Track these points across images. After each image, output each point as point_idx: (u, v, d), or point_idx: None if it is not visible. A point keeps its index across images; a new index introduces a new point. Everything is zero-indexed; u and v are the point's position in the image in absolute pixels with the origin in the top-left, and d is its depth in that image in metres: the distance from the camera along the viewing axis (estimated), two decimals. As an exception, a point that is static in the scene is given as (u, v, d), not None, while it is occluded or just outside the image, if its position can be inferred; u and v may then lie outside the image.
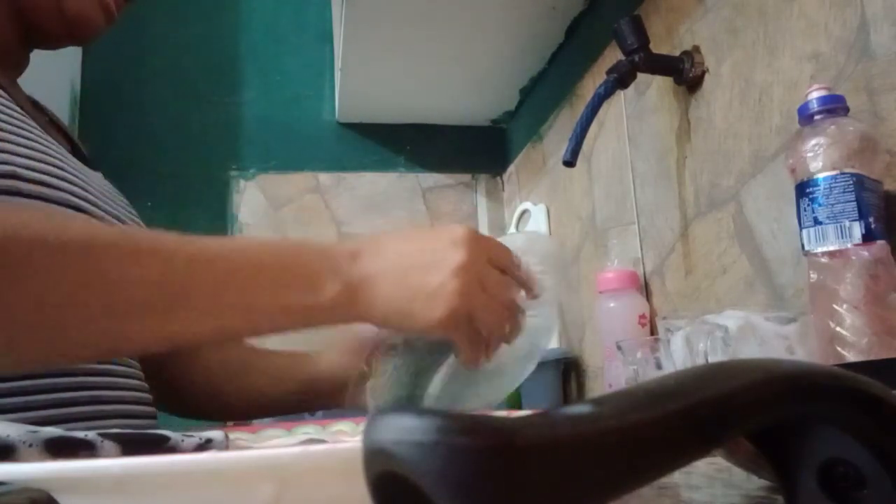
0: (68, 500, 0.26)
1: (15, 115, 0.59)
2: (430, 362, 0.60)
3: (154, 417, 0.70)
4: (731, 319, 0.49)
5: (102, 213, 0.62)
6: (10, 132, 0.56)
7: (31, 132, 0.59)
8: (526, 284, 0.58)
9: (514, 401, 1.20)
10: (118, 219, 0.65)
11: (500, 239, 0.60)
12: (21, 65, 0.70)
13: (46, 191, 0.56)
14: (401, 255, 0.53)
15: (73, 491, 0.25)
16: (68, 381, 0.58)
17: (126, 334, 0.46)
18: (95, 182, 0.67)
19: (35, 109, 0.71)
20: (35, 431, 0.31)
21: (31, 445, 0.30)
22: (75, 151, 0.73)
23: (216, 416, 0.80)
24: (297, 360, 0.77)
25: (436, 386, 0.61)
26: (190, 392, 0.77)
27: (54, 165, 0.58)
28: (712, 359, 0.49)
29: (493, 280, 0.54)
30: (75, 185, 0.59)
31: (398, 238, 0.54)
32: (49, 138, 0.62)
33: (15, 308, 0.41)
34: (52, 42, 0.69)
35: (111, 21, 0.69)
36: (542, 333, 0.63)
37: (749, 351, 0.47)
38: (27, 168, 0.55)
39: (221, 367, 0.76)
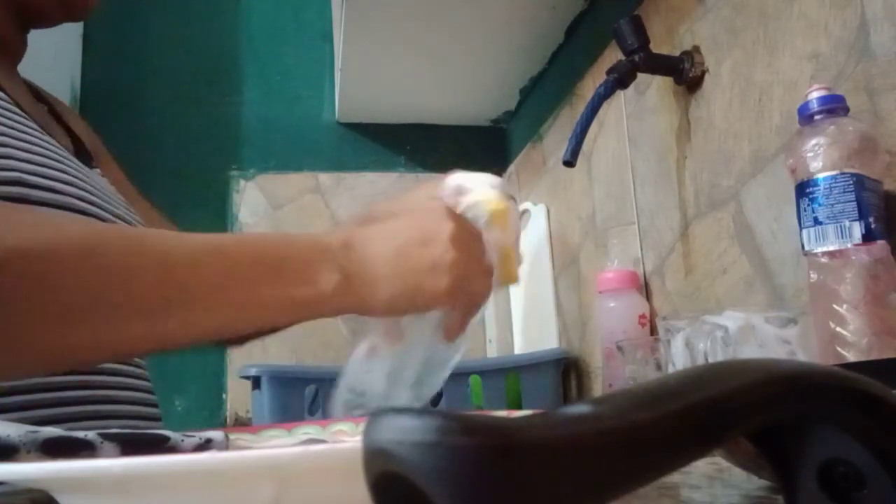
0: (68, 500, 0.26)
1: (16, 117, 0.58)
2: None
3: (159, 419, 0.70)
4: (731, 320, 0.49)
5: (106, 215, 0.62)
6: (14, 136, 0.56)
7: (32, 135, 0.59)
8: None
9: (514, 401, 1.20)
10: (121, 218, 0.65)
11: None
12: (20, 50, 0.69)
13: (53, 196, 0.55)
14: (393, 234, 0.53)
15: (73, 491, 0.25)
16: (76, 379, 0.58)
17: (125, 336, 0.45)
18: (96, 182, 0.66)
19: (36, 100, 0.70)
20: (35, 432, 0.31)
21: (29, 451, 0.30)
22: (76, 145, 0.73)
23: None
24: None
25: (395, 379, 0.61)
26: None
27: (59, 170, 0.58)
28: (712, 359, 0.49)
29: (477, 247, 0.56)
30: (79, 188, 0.59)
31: (386, 216, 0.55)
32: (50, 140, 0.62)
33: (13, 318, 0.40)
34: (47, 20, 0.68)
35: None
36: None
37: (749, 354, 0.48)
38: (33, 174, 0.55)
39: None
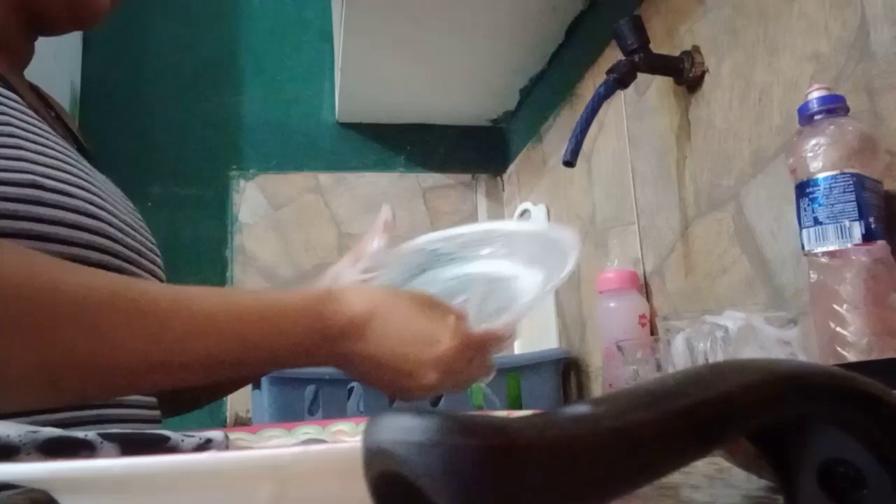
0: (69, 500, 0.26)
1: (31, 121, 0.59)
2: None
3: (159, 421, 0.70)
4: (731, 320, 0.49)
5: (114, 220, 0.63)
6: (29, 139, 0.56)
7: (47, 138, 0.59)
8: (509, 337, 0.63)
9: (514, 401, 1.20)
10: (128, 224, 0.66)
11: (507, 225, 0.65)
12: (26, 56, 0.69)
13: (66, 199, 0.56)
14: (385, 352, 0.56)
15: (73, 491, 0.25)
16: None
17: (116, 386, 0.49)
18: (106, 187, 0.67)
19: (42, 104, 0.71)
20: (35, 432, 0.31)
21: (29, 452, 0.30)
22: (80, 149, 0.73)
23: (190, 406, 0.81)
24: None
25: None
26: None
27: (72, 174, 0.59)
28: (712, 359, 0.49)
29: (471, 367, 0.60)
30: (90, 192, 0.60)
31: (385, 328, 0.56)
32: (63, 143, 0.62)
33: (8, 358, 0.42)
34: (57, 28, 0.68)
35: (116, 4, 0.69)
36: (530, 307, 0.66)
37: (750, 354, 0.48)
38: (47, 177, 0.55)
39: None
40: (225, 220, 1.62)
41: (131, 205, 0.74)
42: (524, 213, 1.55)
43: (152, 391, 0.53)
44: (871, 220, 0.58)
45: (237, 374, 0.54)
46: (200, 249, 1.59)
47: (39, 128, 0.60)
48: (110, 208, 0.63)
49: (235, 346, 0.50)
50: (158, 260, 0.72)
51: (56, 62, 1.44)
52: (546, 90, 1.48)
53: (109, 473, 0.23)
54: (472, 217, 1.74)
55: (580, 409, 0.17)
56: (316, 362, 0.56)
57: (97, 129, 1.57)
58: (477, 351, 0.59)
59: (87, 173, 0.62)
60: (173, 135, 1.64)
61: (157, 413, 0.70)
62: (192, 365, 0.49)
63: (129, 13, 1.68)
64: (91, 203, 0.59)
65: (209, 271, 1.57)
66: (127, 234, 0.64)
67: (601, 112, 0.94)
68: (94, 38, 1.64)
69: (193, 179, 1.62)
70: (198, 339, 0.48)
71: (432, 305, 0.59)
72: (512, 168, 1.70)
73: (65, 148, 0.62)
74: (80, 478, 0.24)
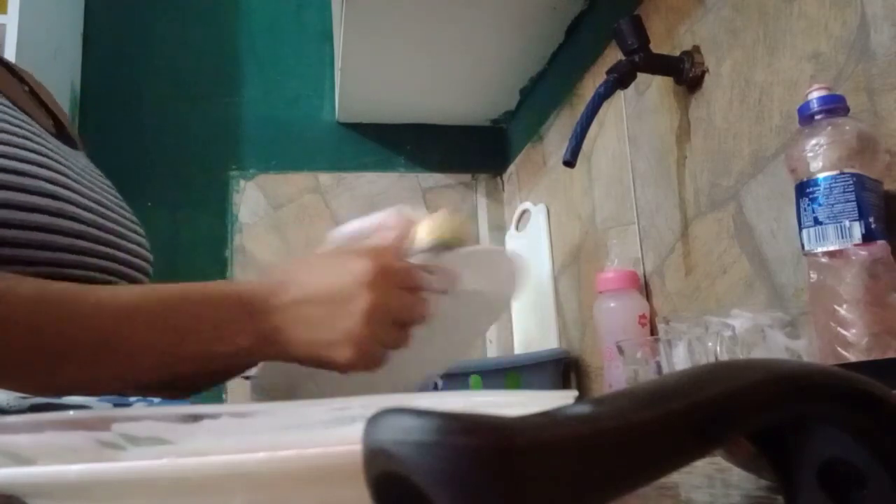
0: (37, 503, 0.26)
1: None
2: None
3: None
4: (739, 319, 0.49)
5: (83, 199, 0.61)
6: None
7: (6, 112, 0.57)
8: (441, 285, 0.59)
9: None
10: (100, 203, 0.64)
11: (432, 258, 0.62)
12: None
13: (18, 179, 0.54)
14: (309, 301, 0.54)
15: (37, 496, 0.25)
16: None
17: (56, 377, 0.50)
18: (77, 165, 0.64)
19: (13, 78, 0.68)
20: (24, 398, 0.31)
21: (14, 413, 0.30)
22: (58, 126, 0.70)
23: None
24: None
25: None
26: None
27: (28, 150, 0.56)
28: (720, 359, 0.49)
29: (402, 306, 0.56)
30: (52, 169, 0.58)
31: (307, 279, 0.55)
32: (24, 118, 0.60)
33: None
34: None
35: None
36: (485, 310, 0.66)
37: (758, 355, 0.48)
38: (1, 155, 0.54)
39: None
40: (225, 220, 1.62)
41: (109, 183, 0.72)
42: (524, 213, 1.55)
43: (104, 385, 0.54)
44: (871, 220, 0.58)
45: (177, 357, 0.52)
46: (200, 249, 1.59)
47: None
48: (76, 186, 0.60)
49: (166, 323, 0.51)
50: (142, 240, 0.71)
51: (56, 62, 1.44)
52: (546, 90, 1.48)
53: (65, 480, 0.22)
54: (473, 217, 1.74)
55: (580, 408, 0.17)
56: (246, 347, 0.53)
57: (97, 129, 1.58)
58: (402, 284, 0.55)
59: (53, 150, 0.60)
60: (173, 135, 1.64)
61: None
62: (125, 348, 0.50)
63: (129, 13, 1.68)
64: (50, 181, 0.57)
65: (209, 271, 1.57)
66: (98, 214, 0.62)
67: (601, 112, 0.94)
68: (94, 38, 1.64)
69: (193, 179, 1.62)
70: (132, 320, 0.50)
71: (338, 261, 0.57)
72: (512, 168, 1.70)
73: (25, 123, 0.59)
74: (38, 483, 0.23)
